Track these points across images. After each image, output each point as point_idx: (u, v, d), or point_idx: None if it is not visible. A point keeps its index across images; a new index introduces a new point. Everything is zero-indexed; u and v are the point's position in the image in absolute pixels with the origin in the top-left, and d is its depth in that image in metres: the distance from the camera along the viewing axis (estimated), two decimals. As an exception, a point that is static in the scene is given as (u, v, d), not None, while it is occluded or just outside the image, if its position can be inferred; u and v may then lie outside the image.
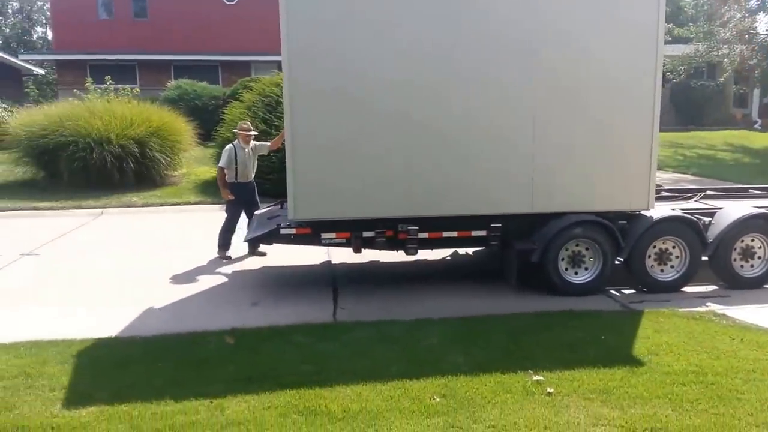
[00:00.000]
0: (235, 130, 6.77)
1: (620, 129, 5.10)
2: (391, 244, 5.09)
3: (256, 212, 6.18)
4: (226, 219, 6.44)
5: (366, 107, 4.76)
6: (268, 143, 6.76)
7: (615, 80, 5.03)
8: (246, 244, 5.96)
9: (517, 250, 5.09)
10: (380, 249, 5.17)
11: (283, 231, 5.00)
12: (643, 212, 5.29)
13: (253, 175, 6.51)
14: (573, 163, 5.07)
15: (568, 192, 5.09)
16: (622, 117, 5.09)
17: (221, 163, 6.38)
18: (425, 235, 5.02)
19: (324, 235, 4.98)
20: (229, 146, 6.41)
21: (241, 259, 6.46)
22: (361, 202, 4.85)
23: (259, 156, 6.86)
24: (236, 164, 6.30)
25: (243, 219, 6.50)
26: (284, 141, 4.86)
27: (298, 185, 4.75)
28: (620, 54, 5.00)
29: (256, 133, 6.74)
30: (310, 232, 4.98)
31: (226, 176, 6.35)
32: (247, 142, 6.40)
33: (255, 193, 6.55)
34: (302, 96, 4.67)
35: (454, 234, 5.10)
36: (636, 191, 5.20)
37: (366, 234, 4.98)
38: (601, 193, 5.16)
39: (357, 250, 5.16)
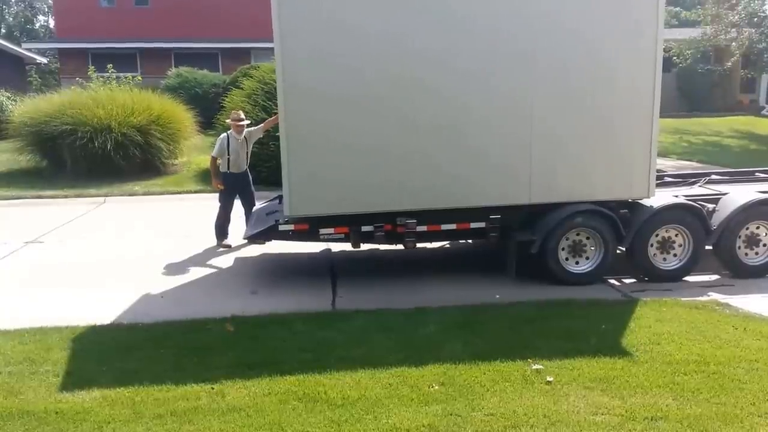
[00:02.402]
0: (228, 120, 6.74)
1: (619, 117, 5.02)
2: (390, 238, 5.06)
3: (255, 208, 6.17)
4: (220, 208, 6.45)
5: (362, 103, 4.69)
6: (261, 125, 6.74)
7: (613, 67, 4.94)
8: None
9: (516, 242, 5.06)
10: (379, 243, 5.13)
11: (281, 227, 4.98)
12: (645, 200, 5.23)
13: (246, 166, 6.48)
14: (571, 153, 5.00)
15: (567, 182, 5.03)
16: (620, 105, 5.00)
17: (213, 153, 6.42)
18: (424, 228, 4.99)
19: (322, 231, 4.95)
20: (222, 135, 6.42)
21: (240, 247, 6.46)
22: (359, 197, 4.80)
23: (257, 143, 6.81)
24: (229, 153, 6.29)
25: (239, 208, 6.47)
26: (278, 127, 4.80)
27: (294, 181, 4.69)
28: (619, 39, 4.90)
29: (248, 122, 6.70)
30: (308, 228, 4.94)
31: (219, 166, 6.35)
32: (240, 132, 6.37)
33: (249, 184, 6.52)
34: (296, 92, 4.59)
35: (453, 226, 5.06)
36: (636, 180, 5.13)
37: (364, 228, 4.94)
38: (600, 182, 5.09)
39: (356, 245, 5.13)
